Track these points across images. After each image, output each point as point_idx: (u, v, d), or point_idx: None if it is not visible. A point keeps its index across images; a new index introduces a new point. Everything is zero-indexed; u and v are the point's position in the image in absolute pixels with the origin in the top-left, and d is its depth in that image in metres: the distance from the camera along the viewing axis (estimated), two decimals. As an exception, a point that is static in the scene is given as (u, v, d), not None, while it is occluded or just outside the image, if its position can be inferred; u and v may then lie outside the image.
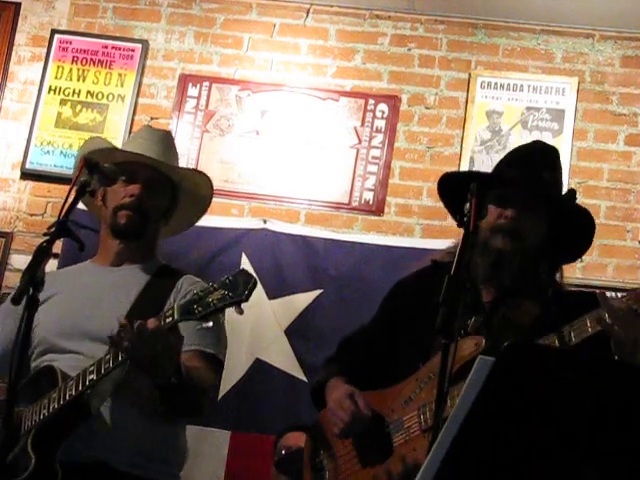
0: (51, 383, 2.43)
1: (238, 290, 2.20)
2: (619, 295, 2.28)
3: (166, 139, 2.81)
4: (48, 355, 2.55)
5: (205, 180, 2.83)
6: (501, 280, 2.37)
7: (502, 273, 2.37)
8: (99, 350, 2.43)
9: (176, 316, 2.24)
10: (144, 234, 2.69)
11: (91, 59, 4.52)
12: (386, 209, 4.30)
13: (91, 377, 2.34)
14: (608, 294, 2.19)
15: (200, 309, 2.23)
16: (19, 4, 4.60)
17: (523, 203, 2.37)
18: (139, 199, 2.63)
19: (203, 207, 2.88)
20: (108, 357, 2.33)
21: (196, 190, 2.82)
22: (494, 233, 2.32)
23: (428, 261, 2.57)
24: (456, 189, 2.37)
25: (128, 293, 2.60)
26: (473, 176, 2.67)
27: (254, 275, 2.26)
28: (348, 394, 2.36)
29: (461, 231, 2.18)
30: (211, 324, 2.36)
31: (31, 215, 4.40)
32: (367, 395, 2.40)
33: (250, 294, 2.20)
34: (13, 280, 4.18)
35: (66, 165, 4.35)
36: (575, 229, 2.45)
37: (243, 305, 2.20)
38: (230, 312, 2.28)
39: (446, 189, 2.52)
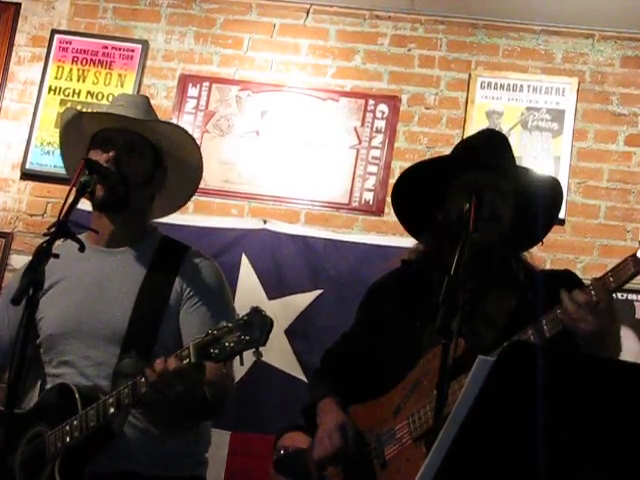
0: (70, 404, 2.39)
1: (254, 334, 2.13)
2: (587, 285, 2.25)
3: (142, 103, 2.64)
4: (57, 354, 2.53)
5: (186, 139, 2.66)
6: (484, 271, 2.32)
7: (486, 264, 2.33)
8: (105, 351, 2.45)
9: (193, 359, 2.17)
10: (128, 202, 2.53)
11: (91, 59, 4.53)
12: (386, 209, 4.30)
13: (111, 411, 2.30)
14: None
15: (217, 352, 2.16)
16: (19, 4, 4.60)
17: (495, 187, 2.35)
18: (114, 166, 2.47)
19: (194, 176, 2.73)
20: (127, 391, 2.28)
21: (182, 154, 2.66)
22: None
23: (398, 262, 2.54)
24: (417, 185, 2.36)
25: (132, 282, 2.52)
26: (436, 163, 2.60)
27: (270, 317, 2.17)
28: (338, 425, 2.31)
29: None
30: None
31: (31, 215, 4.40)
32: (359, 409, 2.38)
33: (267, 338, 2.14)
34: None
35: (66, 165, 4.35)
36: (538, 207, 2.41)
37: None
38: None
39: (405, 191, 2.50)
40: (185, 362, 2.18)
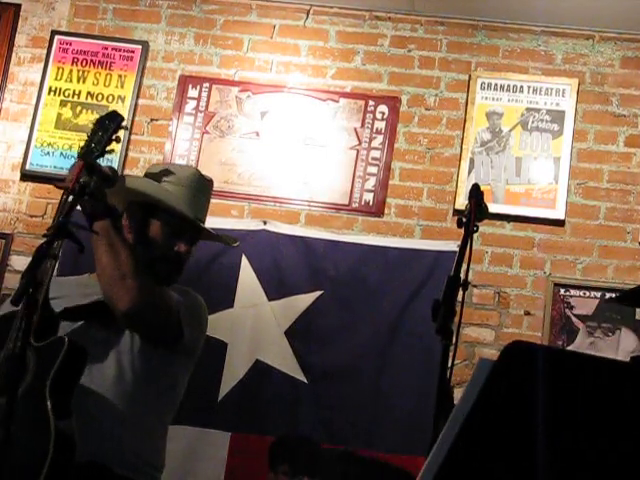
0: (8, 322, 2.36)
1: (110, 116, 2.52)
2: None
3: (209, 193, 2.83)
4: None
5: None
6: None
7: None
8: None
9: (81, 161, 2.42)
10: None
11: (91, 60, 4.52)
12: (386, 210, 4.30)
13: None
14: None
15: (98, 149, 2.45)
16: (19, 5, 4.60)
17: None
18: (188, 252, 2.72)
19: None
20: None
21: None
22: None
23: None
24: None
25: None
26: None
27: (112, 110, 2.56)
28: None
29: (461, 232, 2.19)
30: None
31: (31, 216, 4.40)
32: None
33: (120, 114, 2.53)
34: (13, 281, 4.18)
35: (66, 166, 4.33)
36: None
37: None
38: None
39: None
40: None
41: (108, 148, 2.49)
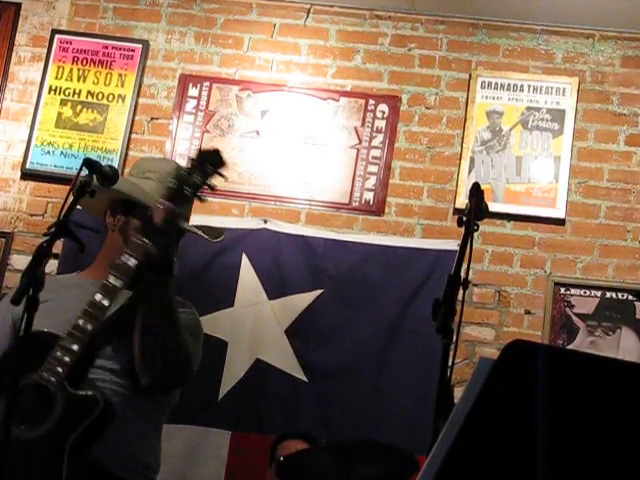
0: (45, 342, 2.42)
1: (213, 160, 2.46)
2: None
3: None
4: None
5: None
6: None
7: None
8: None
9: (169, 203, 2.43)
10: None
11: (91, 59, 4.52)
12: (386, 209, 4.30)
13: (104, 302, 2.41)
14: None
15: (190, 190, 2.45)
16: (19, 4, 4.60)
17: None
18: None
19: None
20: (113, 277, 2.42)
21: None
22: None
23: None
24: None
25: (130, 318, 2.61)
26: None
27: (214, 148, 2.52)
28: None
29: (461, 231, 2.19)
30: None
31: (31, 215, 4.40)
32: None
33: (223, 160, 2.47)
34: (13, 280, 4.18)
35: (66, 165, 4.35)
36: None
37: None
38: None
39: None
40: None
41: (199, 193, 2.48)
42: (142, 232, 2.46)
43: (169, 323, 2.49)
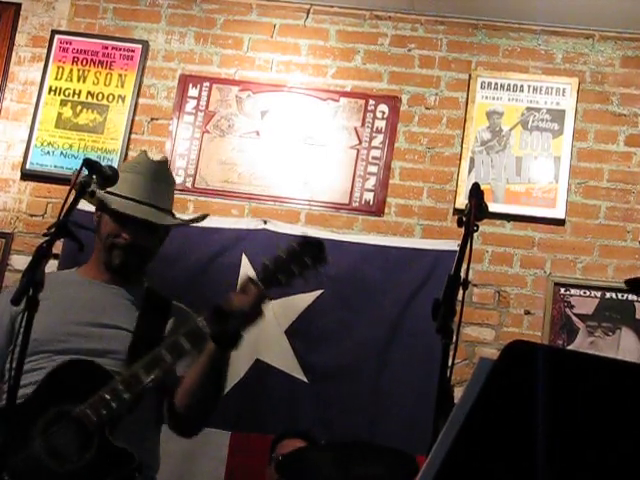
0: (96, 376, 2.45)
1: (315, 254, 2.44)
2: None
3: (163, 175, 2.80)
4: (37, 356, 2.54)
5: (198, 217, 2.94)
6: None
7: None
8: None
9: (262, 287, 2.45)
10: (141, 270, 2.76)
11: (91, 60, 4.52)
12: (386, 209, 4.30)
13: (168, 358, 2.44)
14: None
15: (284, 277, 2.45)
16: (19, 5, 4.60)
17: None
18: (132, 242, 2.66)
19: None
20: (183, 339, 2.44)
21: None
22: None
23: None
24: None
25: (128, 319, 2.64)
26: None
27: (318, 239, 2.48)
28: None
29: (461, 231, 2.19)
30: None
31: (31, 216, 4.40)
32: None
33: (326, 256, 2.44)
34: (13, 280, 4.18)
35: (66, 166, 4.35)
36: None
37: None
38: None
39: None
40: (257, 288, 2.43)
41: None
42: (228, 308, 2.45)
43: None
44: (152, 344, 2.56)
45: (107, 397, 2.40)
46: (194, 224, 3.01)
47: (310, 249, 2.48)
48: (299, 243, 2.49)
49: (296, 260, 2.47)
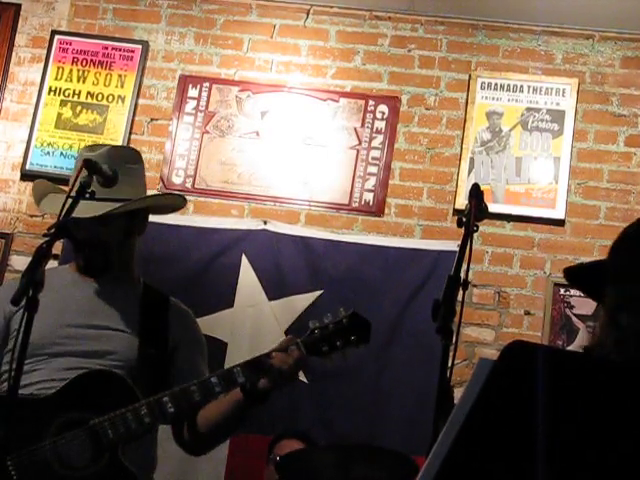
0: (122, 392, 2.44)
1: (360, 333, 2.51)
2: None
3: (130, 163, 2.66)
4: (33, 359, 2.53)
5: (159, 198, 2.90)
6: None
7: None
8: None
9: (304, 352, 2.48)
10: (111, 264, 2.65)
11: (91, 60, 4.52)
12: (386, 210, 4.30)
13: (197, 398, 2.46)
14: None
15: (326, 349, 2.49)
16: (19, 5, 4.60)
17: None
18: (87, 240, 2.59)
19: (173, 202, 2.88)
20: (216, 380, 2.47)
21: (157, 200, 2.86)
22: None
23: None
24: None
25: (128, 321, 2.61)
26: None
27: (368, 319, 2.54)
28: None
29: (461, 231, 2.19)
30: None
31: (31, 216, 4.40)
32: None
33: (369, 337, 2.51)
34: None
35: (66, 166, 4.35)
36: None
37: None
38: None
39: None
40: (297, 355, 2.45)
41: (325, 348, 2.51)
42: (266, 364, 2.45)
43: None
44: (155, 345, 2.56)
45: (129, 417, 2.40)
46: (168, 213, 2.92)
47: (357, 327, 2.53)
48: (349, 318, 2.52)
49: (342, 335, 2.51)
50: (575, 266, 1.97)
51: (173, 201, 2.88)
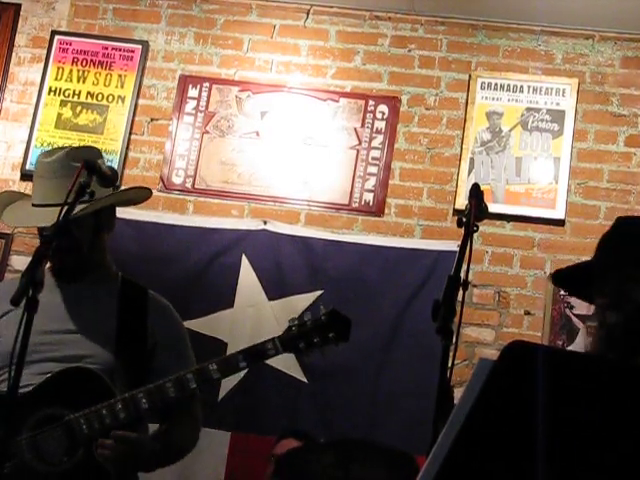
0: (98, 388, 2.45)
1: (339, 331, 2.49)
2: None
3: (65, 167, 2.60)
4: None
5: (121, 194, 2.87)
6: None
7: None
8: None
9: (280, 351, 2.50)
10: (83, 264, 2.65)
11: (91, 60, 4.52)
12: (386, 210, 4.30)
13: (193, 385, 2.49)
14: None
15: (304, 346, 2.49)
16: (19, 5, 4.60)
17: None
18: (56, 246, 2.45)
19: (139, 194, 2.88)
20: (191, 376, 2.49)
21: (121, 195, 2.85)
22: None
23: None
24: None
25: (106, 320, 2.61)
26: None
27: (346, 316, 2.52)
28: None
29: (461, 232, 2.19)
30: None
31: (31, 216, 4.40)
32: None
33: (349, 335, 2.49)
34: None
35: (66, 166, 4.34)
36: None
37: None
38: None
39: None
40: (272, 352, 2.52)
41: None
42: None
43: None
44: (134, 345, 2.57)
45: (104, 412, 2.41)
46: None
47: (336, 325, 2.51)
48: (327, 315, 2.51)
49: (320, 332, 2.49)
50: (562, 269, 1.97)
51: (138, 194, 2.88)
